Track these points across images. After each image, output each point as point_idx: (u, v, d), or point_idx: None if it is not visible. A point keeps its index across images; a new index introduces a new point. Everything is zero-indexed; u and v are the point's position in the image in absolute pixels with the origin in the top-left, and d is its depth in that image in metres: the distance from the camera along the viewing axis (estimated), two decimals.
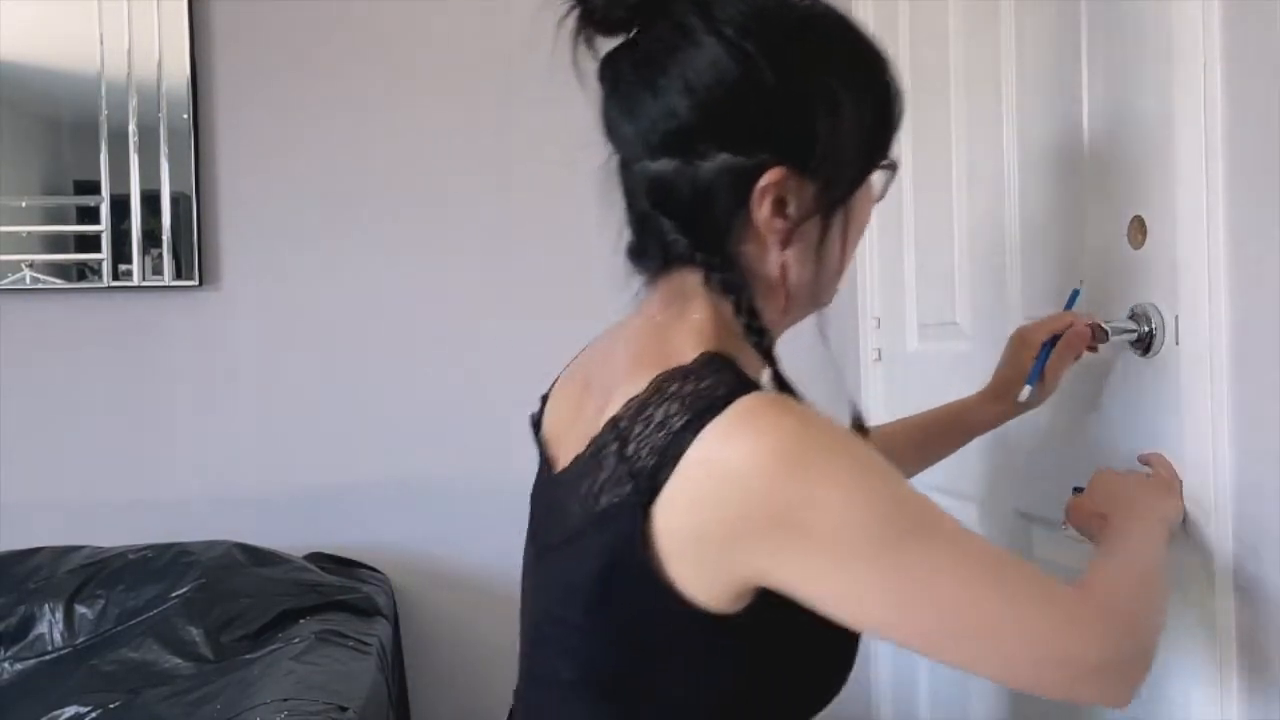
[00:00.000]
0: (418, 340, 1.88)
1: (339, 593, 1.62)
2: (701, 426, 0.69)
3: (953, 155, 1.51)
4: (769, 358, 0.79)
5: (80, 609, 1.60)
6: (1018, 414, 1.14)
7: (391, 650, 1.61)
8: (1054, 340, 1.07)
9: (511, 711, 0.93)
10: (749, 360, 0.78)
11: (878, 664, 1.86)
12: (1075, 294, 1.12)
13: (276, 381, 1.86)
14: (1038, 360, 1.07)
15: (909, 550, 0.69)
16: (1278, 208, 0.88)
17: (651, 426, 0.72)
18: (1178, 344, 0.99)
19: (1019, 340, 1.11)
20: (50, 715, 1.49)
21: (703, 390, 0.72)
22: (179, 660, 1.53)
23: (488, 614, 1.84)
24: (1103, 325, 1.04)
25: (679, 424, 0.70)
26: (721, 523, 0.69)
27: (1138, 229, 1.05)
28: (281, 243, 1.86)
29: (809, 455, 0.68)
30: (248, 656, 1.47)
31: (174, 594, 1.59)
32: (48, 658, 1.58)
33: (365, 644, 1.48)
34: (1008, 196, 1.34)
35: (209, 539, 1.70)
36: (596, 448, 0.77)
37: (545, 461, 0.90)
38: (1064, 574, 0.78)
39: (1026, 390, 1.07)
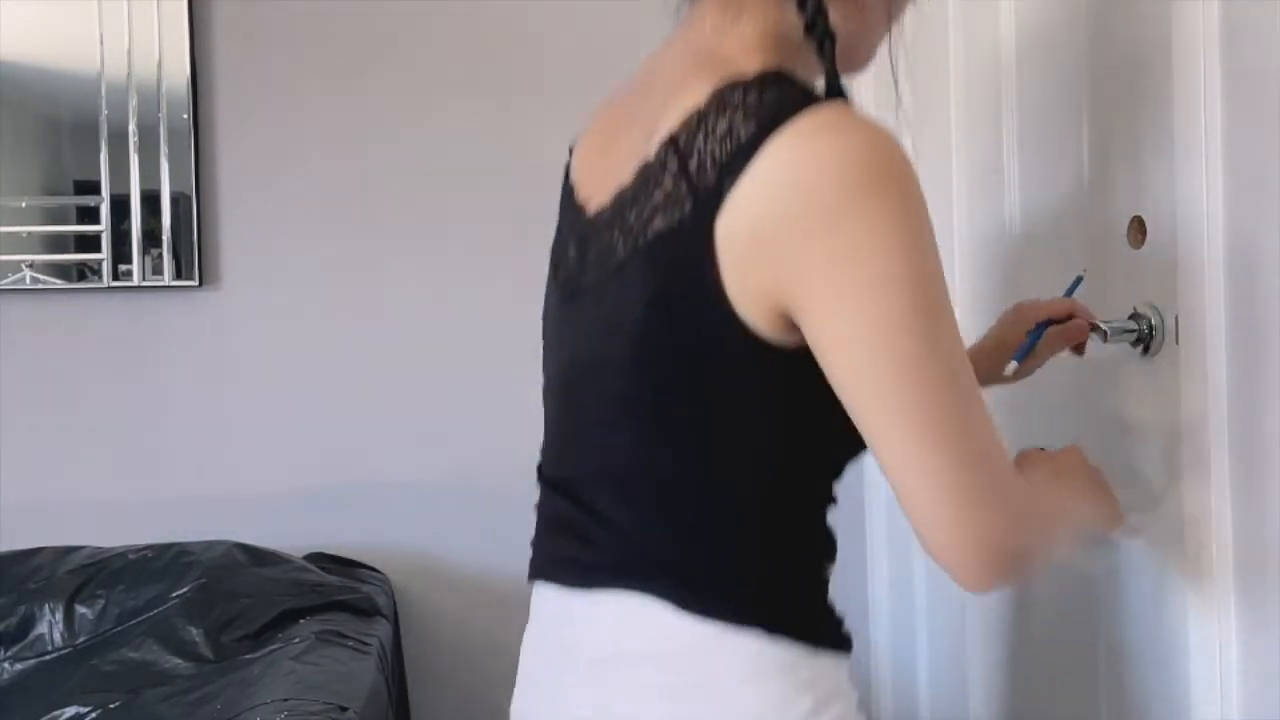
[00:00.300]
0: (418, 340, 1.88)
1: (339, 593, 1.62)
2: (768, 135, 0.67)
3: (953, 155, 1.51)
4: (832, 63, 0.75)
5: (80, 609, 1.60)
6: (985, 385, 1.13)
7: (391, 650, 1.61)
8: (1048, 323, 1.06)
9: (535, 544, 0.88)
10: (807, 76, 0.75)
11: (878, 663, 1.86)
12: (1078, 280, 1.11)
13: (276, 381, 1.86)
14: (1029, 337, 1.06)
15: (920, 317, 0.66)
16: (1278, 208, 0.88)
17: (715, 138, 0.69)
18: (1178, 344, 0.99)
19: (1015, 315, 1.10)
20: (50, 715, 1.49)
21: (768, 100, 0.69)
22: (179, 660, 1.53)
23: (488, 614, 1.84)
24: (1103, 326, 1.04)
25: (745, 134, 0.67)
26: (771, 228, 0.67)
27: (1137, 229, 1.05)
28: (281, 243, 1.86)
29: (872, 176, 0.66)
30: (248, 656, 1.47)
31: (174, 594, 1.59)
32: (48, 658, 1.58)
33: (365, 644, 1.48)
34: (1008, 196, 1.34)
35: (209, 539, 1.70)
36: (649, 172, 0.74)
37: (574, 209, 0.87)
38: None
39: (1012, 365, 1.06)
